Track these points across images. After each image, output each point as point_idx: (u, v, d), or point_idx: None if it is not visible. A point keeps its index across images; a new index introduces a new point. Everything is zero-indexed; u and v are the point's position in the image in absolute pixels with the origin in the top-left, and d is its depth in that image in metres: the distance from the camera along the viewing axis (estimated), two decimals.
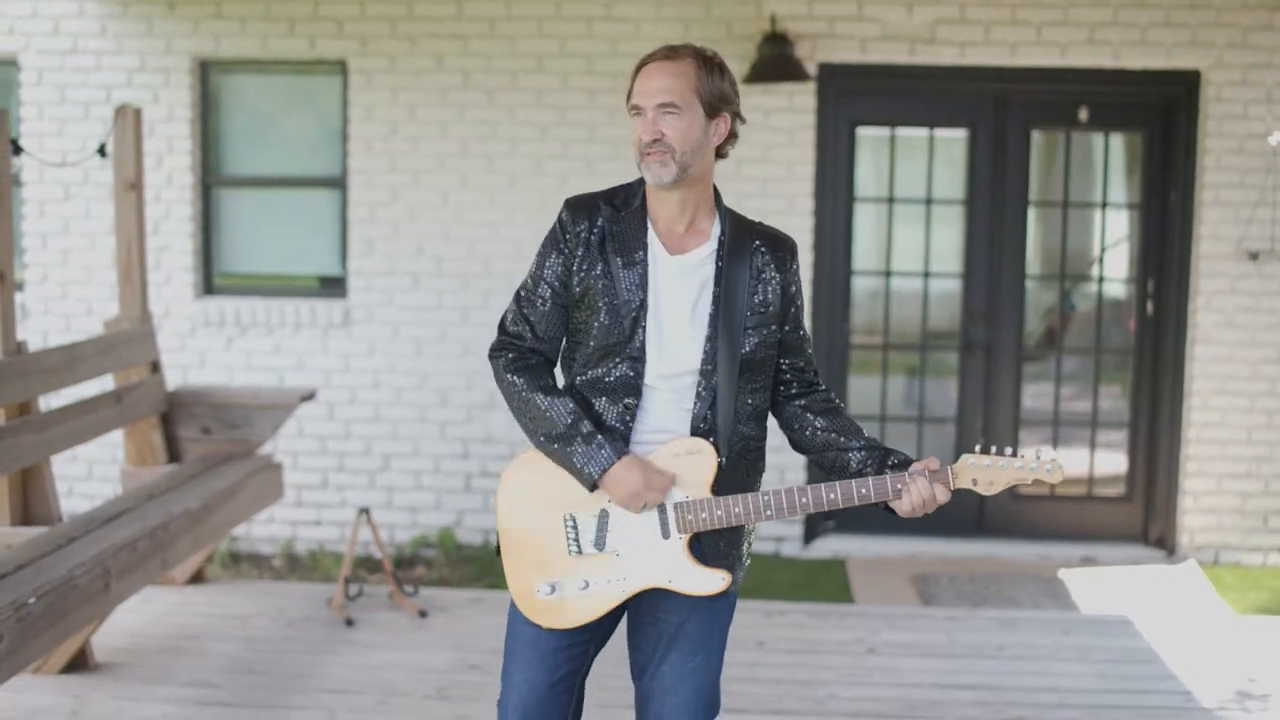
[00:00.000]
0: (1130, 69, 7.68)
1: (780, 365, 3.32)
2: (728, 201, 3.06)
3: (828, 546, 7.93)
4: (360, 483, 8.06)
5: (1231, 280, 7.68)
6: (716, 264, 3.21)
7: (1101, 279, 8.12)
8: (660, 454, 3.17)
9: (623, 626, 3.43)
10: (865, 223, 8.05)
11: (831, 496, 3.10)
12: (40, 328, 8.08)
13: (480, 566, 7.61)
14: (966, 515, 8.05)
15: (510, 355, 3.29)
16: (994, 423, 8.01)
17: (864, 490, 3.10)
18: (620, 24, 7.67)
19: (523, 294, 3.30)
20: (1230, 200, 7.63)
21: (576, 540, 3.22)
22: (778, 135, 7.71)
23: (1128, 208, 8.05)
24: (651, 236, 3.22)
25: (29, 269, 8.12)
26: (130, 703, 5.18)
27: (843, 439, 3.27)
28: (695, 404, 3.18)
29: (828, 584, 7.34)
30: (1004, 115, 7.86)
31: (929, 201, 7.98)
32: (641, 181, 3.28)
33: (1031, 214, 8.00)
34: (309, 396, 6.70)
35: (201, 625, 6.09)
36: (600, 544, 3.21)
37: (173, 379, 7.73)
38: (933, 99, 7.95)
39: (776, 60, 7.38)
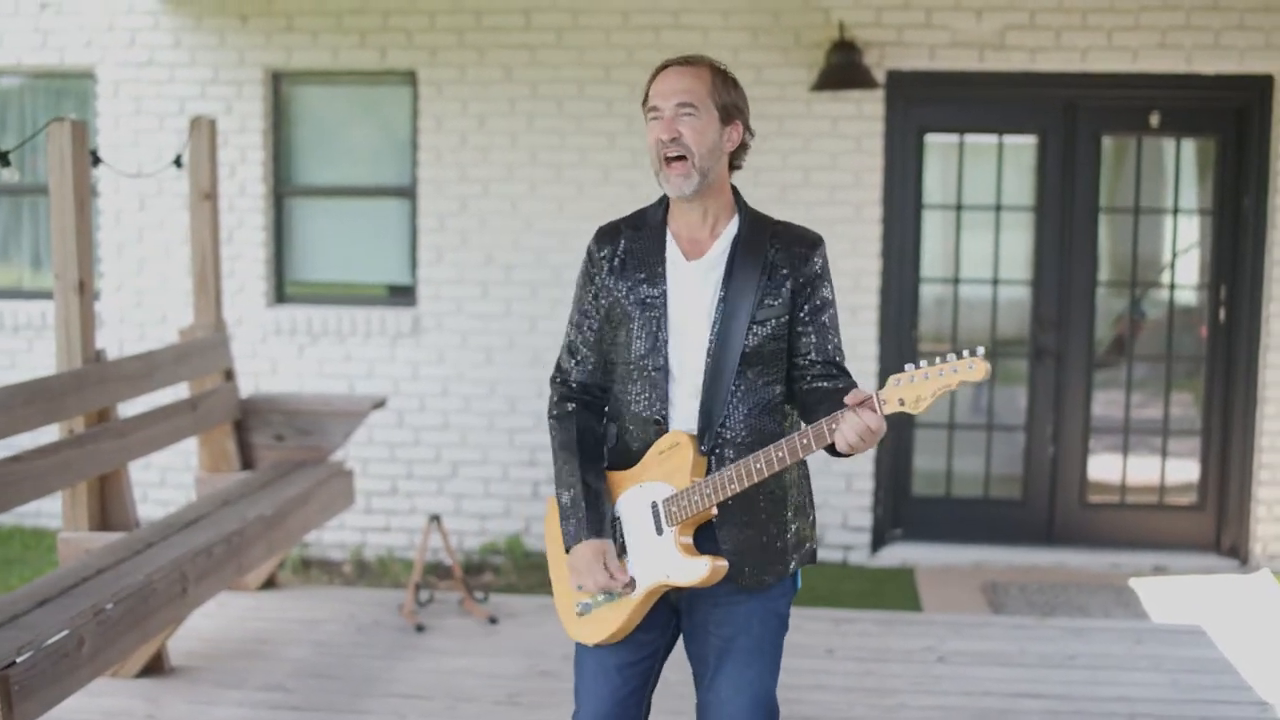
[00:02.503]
0: (1203, 74, 7.61)
1: (794, 361, 3.30)
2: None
3: (896, 555, 7.90)
4: (429, 490, 8.12)
5: None
6: (728, 258, 3.26)
7: (1173, 286, 8.04)
8: (650, 452, 3.26)
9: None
10: (933, 230, 8.03)
11: (780, 455, 3.04)
12: (116, 336, 8.20)
13: (549, 574, 7.63)
14: (1036, 524, 8.01)
15: (555, 398, 3.47)
16: (1064, 430, 7.95)
17: (805, 440, 3.03)
18: (688, 33, 7.68)
19: (570, 325, 3.45)
20: None
21: None
22: (846, 143, 7.70)
23: (1199, 214, 7.98)
24: (671, 248, 3.31)
25: (105, 278, 8.24)
26: (204, 706, 5.25)
27: (823, 399, 3.21)
28: (700, 397, 3.23)
29: (896, 592, 7.32)
30: (1074, 121, 7.81)
31: (998, 208, 7.94)
32: (664, 201, 3.36)
33: (1102, 220, 7.94)
34: (380, 404, 6.76)
35: (274, 630, 6.16)
36: (619, 553, 3.31)
37: (245, 386, 7.81)
38: (1002, 105, 7.92)
39: (845, 68, 7.38)
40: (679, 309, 3.26)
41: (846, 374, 3.31)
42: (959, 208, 7.96)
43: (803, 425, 3.22)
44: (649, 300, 3.26)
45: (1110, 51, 7.56)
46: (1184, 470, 8.04)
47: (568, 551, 3.33)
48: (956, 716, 5.23)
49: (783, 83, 7.66)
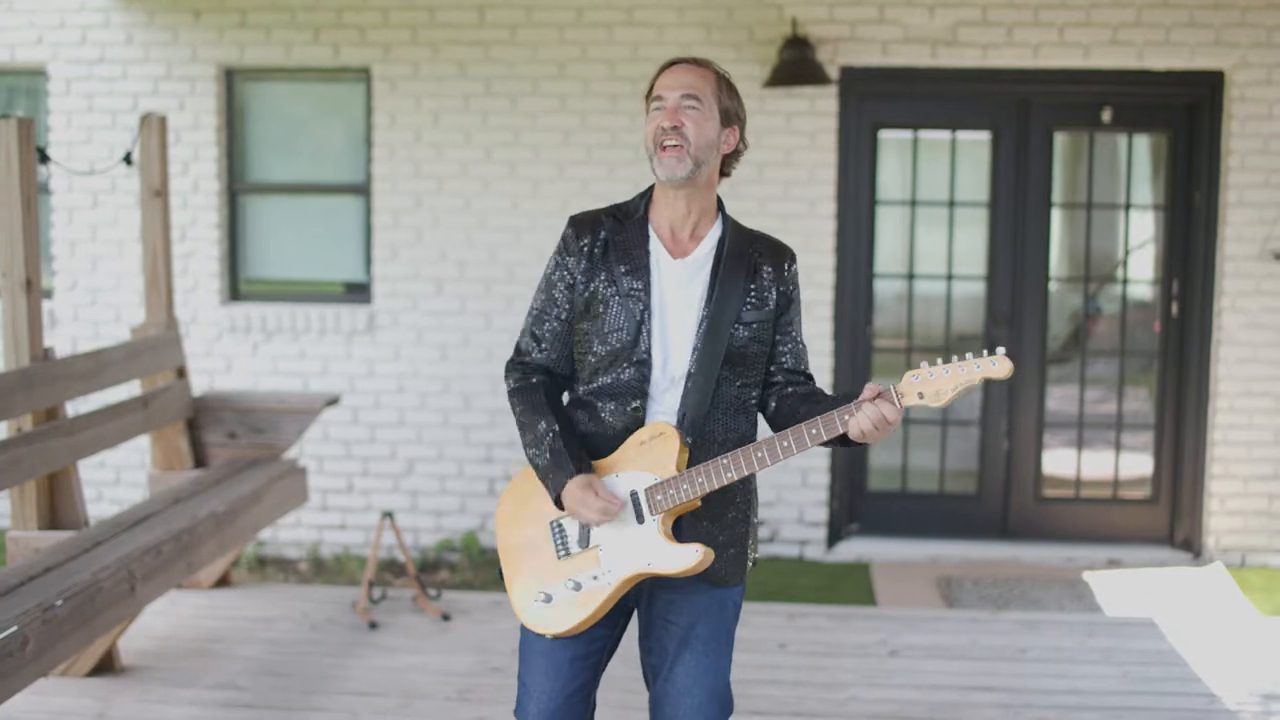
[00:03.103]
0: (1154, 69, 7.66)
1: (770, 369, 3.38)
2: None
3: (851, 550, 7.93)
4: (384, 487, 8.10)
5: (1256, 281, 7.65)
6: (714, 260, 3.31)
7: (1126, 281, 8.09)
8: (628, 442, 3.26)
9: (634, 632, 3.49)
10: (888, 226, 8.05)
11: (785, 444, 3.10)
12: (69, 334, 8.15)
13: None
14: (991, 519, 8.05)
15: (515, 376, 3.44)
16: (1018, 425, 7.99)
17: (814, 430, 3.08)
18: (642, 29, 7.69)
19: (534, 312, 3.43)
20: (1255, 201, 7.60)
21: (563, 543, 3.31)
22: (799, 139, 7.72)
23: (1152, 209, 8.03)
24: (654, 242, 3.32)
25: (58, 276, 8.19)
26: (156, 705, 5.23)
27: (804, 403, 3.28)
28: (683, 392, 3.26)
29: (851, 587, 7.34)
30: (1026, 117, 7.85)
31: (952, 204, 7.98)
32: (645, 194, 3.39)
33: (1055, 216, 7.99)
34: (334, 401, 6.75)
35: (227, 628, 6.13)
36: (584, 541, 3.27)
37: (199, 384, 7.78)
38: (955, 101, 7.95)
39: (798, 64, 7.39)
40: (662, 303, 3.27)
41: (814, 381, 3.43)
42: (913, 203, 7.99)
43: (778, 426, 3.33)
44: (633, 291, 3.27)
45: (1062, 47, 7.60)
46: (1138, 464, 8.10)
47: (558, 501, 3.26)
48: (907, 710, 5.25)
49: (736, 79, 7.53)
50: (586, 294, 3.31)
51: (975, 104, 7.93)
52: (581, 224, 3.37)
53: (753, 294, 3.29)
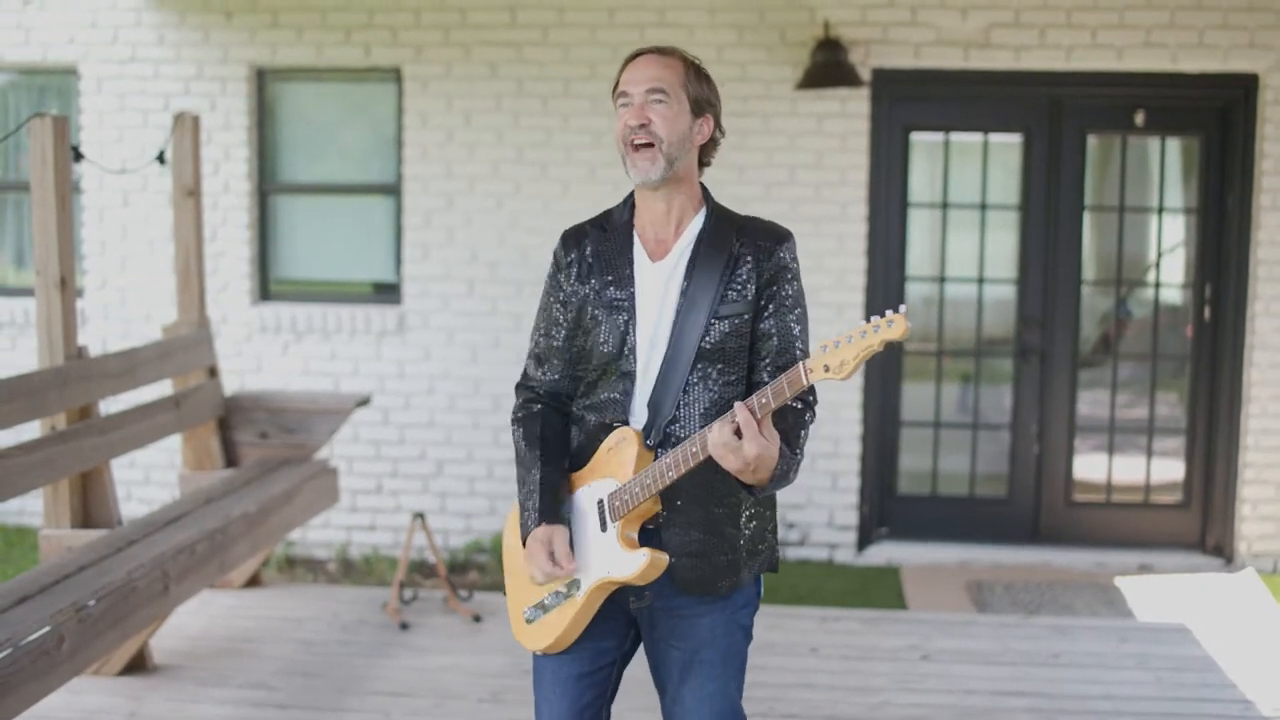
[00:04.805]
0: (1187, 72, 7.62)
1: (753, 364, 3.17)
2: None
3: (882, 554, 7.90)
4: (414, 488, 8.10)
5: None
6: (691, 252, 3.17)
7: (1158, 284, 8.04)
8: (599, 450, 3.18)
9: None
10: (919, 228, 8.02)
11: (694, 450, 2.94)
12: (99, 333, 8.17)
13: None
14: (1022, 523, 8.01)
15: (518, 403, 3.36)
16: (1049, 429, 7.95)
17: (694, 448, 2.94)
18: (673, 30, 7.67)
19: (536, 334, 3.35)
20: None
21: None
22: (831, 141, 7.70)
23: (1185, 212, 7.98)
24: (637, 249, 3.21)
25: (88, 275, 8.21)
26: (187, 704, 5.24)
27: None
28: (652, 390, 3.14)
29: (882, 591, 7.32)
30: (1059, 120, 7.81)
31: (983, 207, 7.94)
32: (629, 198, 3.28)
33: (1087, 219, 7.95)
34: (364, 402, 6.75)
35: (258, 628, 6.14)
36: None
37: (230, 384, 7.79)
38: (987, 104, 7.92)
39: (830, 66, 7.37)
40: (646, 311, 3.16)
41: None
42: (945, 206, 7.96)
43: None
44: (616, 303, 3.17)
45: (1095, 50, 7.56)
46: (1169, 469, 8.05)
47: (524, 545, 3.20)
48: (939, 714, 5.23)
49: (768, 80, 7.65)
50: (576, 310, 3.23)
51: (1007, 106, 7.90)
52: (569, 239, 3.29)
53: (731, 285, 3.11)
